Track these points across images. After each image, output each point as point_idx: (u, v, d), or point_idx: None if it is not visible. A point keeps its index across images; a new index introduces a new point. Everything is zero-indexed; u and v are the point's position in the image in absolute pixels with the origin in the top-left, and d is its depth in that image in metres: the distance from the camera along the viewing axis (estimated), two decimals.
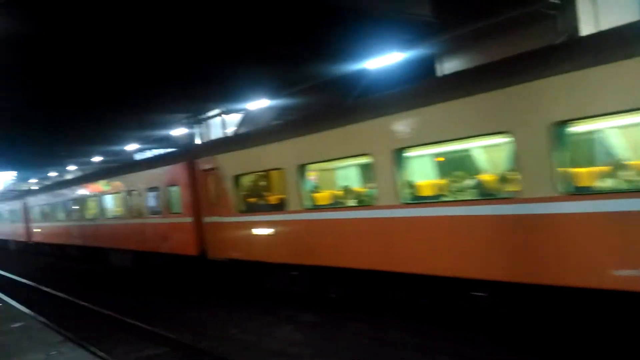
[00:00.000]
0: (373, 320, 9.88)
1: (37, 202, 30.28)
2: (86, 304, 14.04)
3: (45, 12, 10.94)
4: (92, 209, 22.19)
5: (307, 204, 10.65)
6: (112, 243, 19.79)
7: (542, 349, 7.46)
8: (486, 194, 7.89)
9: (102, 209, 20.86)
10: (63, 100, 19.63)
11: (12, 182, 64.05)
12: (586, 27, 13.98)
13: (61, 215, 26.12)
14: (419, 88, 9.15)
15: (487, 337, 8.19)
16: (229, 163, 12.88)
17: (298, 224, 10.86)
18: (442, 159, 9.84)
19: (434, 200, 8.52)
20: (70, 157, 39.80)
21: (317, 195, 10.98)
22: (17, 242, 36.12)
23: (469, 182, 8.55)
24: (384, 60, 15.74)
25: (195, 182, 14.17)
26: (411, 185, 8.79)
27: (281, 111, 23.03)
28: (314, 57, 17.01)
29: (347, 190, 10.80)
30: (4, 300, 13.52)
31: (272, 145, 11.51)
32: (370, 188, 9.76)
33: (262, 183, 13.16)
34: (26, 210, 32.07)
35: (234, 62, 16.79)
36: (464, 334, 8.49)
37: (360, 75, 17.54)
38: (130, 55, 14.99)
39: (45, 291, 17.21)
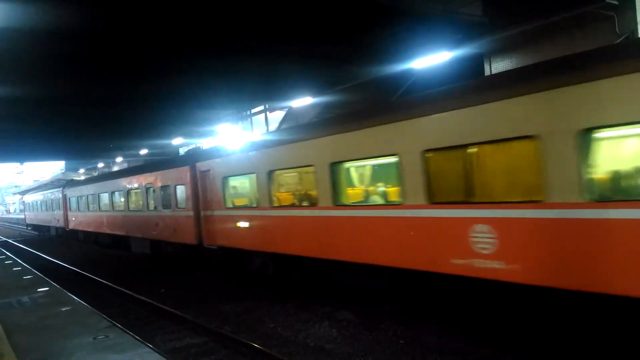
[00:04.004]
0: (411, 322, 9.76)
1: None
2: (130, 292, 14.46)
3: (104, 8, 11.27)
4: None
5: None
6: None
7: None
8: None
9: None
10: (115, 96, 20.19)
11: (61, 171, 66.48)
12: None
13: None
14: None
15: (528, 344, 7.96)
16: None
17: None
18: None
19: None
20: (118, 150, 40.96)
21: None
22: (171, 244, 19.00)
23: None
24: (431, 59, 15.52)
25: None
26: None
27: (324, 108, 23.05)
28: (361, 57, 16.92)
29: None
30: (53, 285, 14.03)
31: None
32: None
33: None
34: (201, 182, 15.92)
35: (280, 61, 16.90)
36: (505, 342, 8.28)
37: (407, 73, 17.36)
38: (181, 54, 15.29)
39: (91, 278, 17.80)
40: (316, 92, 21.30)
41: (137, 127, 28.70)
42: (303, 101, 22.05)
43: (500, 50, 16.72)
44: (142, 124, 27.88)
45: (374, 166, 10.58)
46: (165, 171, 18.75)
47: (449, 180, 8.36)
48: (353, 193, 10.73)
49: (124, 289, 14.85)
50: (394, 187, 9.68)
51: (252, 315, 11.35)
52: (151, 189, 19.83)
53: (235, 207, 14.48)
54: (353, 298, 11.52)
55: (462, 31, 14.81)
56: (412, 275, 9.02)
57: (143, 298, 13.47)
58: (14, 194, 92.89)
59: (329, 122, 11.88)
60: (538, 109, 6.79)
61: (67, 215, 33.78)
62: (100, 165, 54.50)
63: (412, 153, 8.66)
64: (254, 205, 13.46)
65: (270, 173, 12.52)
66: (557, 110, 6.59)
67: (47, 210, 40.33)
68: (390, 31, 14.49)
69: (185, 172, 16.83)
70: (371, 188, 10.59)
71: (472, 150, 7.83)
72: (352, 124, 10.18)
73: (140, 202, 21.05)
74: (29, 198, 49.82)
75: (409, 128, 8.78)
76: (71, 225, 33.11)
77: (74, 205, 31.94)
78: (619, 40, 12.80)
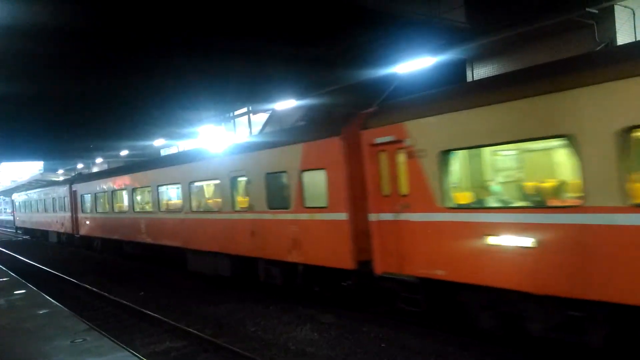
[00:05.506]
0: (394, 325, 9.77)
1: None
2: (109, 295, 14.24)
3: (84, 5, 11.12)
4: None
5: None
6: None
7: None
8: None
9: None
10: (95, 95, 19.94)
11: (39, 172, 65.31)
12: (623, 38, 13.81)
13: None
14: None
15: (510, 349, 8.03)
16: None
17: None
18: None
19: None
20: (98, 150, 40.42)
21: None
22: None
23: None
24: (414, 64, 15.63)
25: None
26: None
27: (308, 111, 23.06)
28: (345, 60, 16.97)
29: None
30: (29, 287, 13.77)
31: None
32: None
33: None
34: (370, 163, 9.65)
35: (264, 62, 16.85)
36: (486, 345, 8.33)
37: (390, 77, 17.45)
38: (163, 54, 15.17)
39: (70, 280, 17.50)
40: (300, 94, 21.29)
41: (117, 127, 28.33)
42: (287, 104, 22.01)
43: (482, 56, 16.94)
44: (123, 124, 27.54)
45: None
46: (276, 150, 12.17)
47: None
48: None
49: (104, 293, 14.63)
50: None
51: (234, 317, 11.25)
52: (240, 178, 13.48)
53: (474, 208, 8.05)
54: (336, 301, 11.50)
55: (446, 37, 14.96)
56: None
57: (122, 301, 13.28)
58: None
59: None
60: None
61: (76, 217, 26.24)
62: (80, 166, 53.76)
63: None
64: (553, 202, 7.16)
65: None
66: None
67: (45, 211, 31.93)
68: (374, 35, 14.58)
69: (330, 147, 10.35)
70: None
71: None
72: None
73: (219, 199, 14.64)
74: (21, 197, 41.94)
75: None
76: (83, 231, 25.78)
77: (88, 204, 24.68)
78: (598, 48, 13.07)
